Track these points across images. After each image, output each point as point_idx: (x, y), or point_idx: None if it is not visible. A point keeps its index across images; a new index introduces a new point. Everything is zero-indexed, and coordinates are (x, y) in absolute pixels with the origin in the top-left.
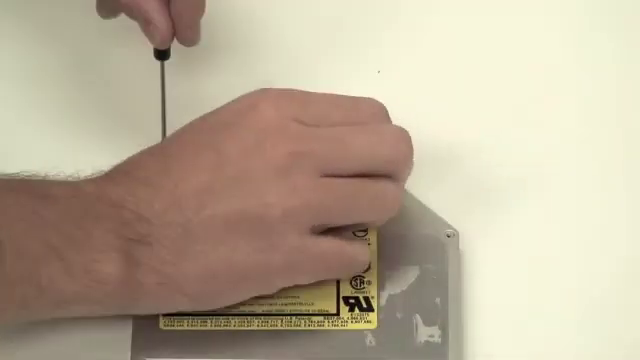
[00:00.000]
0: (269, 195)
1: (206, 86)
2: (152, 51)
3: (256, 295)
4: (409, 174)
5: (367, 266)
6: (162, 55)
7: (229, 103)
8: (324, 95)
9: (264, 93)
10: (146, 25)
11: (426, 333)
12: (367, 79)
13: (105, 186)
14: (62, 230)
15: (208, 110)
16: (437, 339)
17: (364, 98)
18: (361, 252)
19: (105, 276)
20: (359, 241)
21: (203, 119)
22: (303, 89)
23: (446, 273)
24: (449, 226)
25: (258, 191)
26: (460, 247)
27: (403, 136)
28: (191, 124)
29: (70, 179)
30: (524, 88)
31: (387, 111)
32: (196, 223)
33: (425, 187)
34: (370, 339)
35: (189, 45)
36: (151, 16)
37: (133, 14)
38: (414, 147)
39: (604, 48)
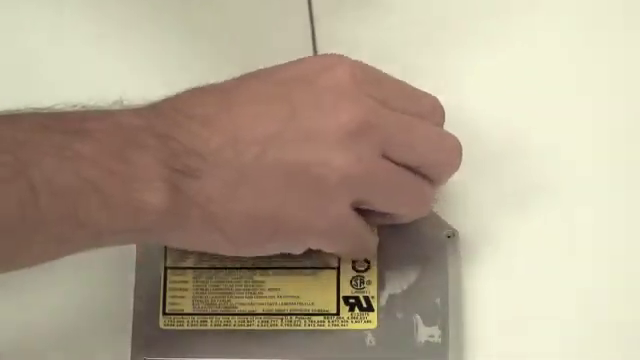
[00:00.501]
0: (334, 158)
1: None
2: None
3: (284, 252)
4: (444, 184)
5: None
6: None
7: (299, 60)
8: (393, 78)
9: (340, 58)
10: None
11: (426, 333)
12: None
13: (150, 118)
14: (98, 162)
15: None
16: (437, 339)
17: (428, 93)
18: (375, 244)
19: (147, 206)
20: (375, 233)
21: (270, 72)
22: None
23: (446, 273)
24: (449, 226)
25: (324, 151)
26: (460, 247)
27: (459, 149)
28: (255, 75)
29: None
30: (523, 89)
31: (444, 112)
32: (254, 168)
33: None
34: (370, 339)
35: None
36: None
37: None
38: None
39: None
